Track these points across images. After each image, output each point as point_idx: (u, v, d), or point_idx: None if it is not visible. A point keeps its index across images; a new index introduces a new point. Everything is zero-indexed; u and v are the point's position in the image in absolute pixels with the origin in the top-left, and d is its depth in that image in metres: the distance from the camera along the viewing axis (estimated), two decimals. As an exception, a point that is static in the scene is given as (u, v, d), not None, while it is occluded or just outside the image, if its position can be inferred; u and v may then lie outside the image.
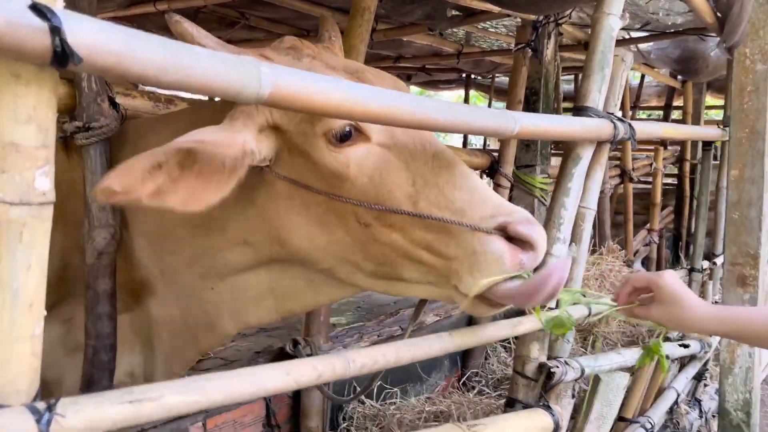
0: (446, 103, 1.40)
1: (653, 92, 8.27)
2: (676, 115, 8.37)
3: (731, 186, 3.31)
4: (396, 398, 3.21)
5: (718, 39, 3.24)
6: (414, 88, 9.78)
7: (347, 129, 1.47)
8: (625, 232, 5.70)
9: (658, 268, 6.54)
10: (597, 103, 2.14)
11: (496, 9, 3.49)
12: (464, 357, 4.13)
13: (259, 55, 1.55)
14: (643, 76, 7.83)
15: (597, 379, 2.44)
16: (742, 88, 3.25)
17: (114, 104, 2.02)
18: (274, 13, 4.61)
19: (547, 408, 2.08)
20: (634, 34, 4.86)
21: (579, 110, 2.14)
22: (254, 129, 1.54)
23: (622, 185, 5.83)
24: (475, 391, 3.60)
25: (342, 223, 1.54)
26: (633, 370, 2.75)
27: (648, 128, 2.47)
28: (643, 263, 7.01)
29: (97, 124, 1.94)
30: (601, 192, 5.33)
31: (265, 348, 2.80)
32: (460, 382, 3.84)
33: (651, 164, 6.51)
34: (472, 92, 9.92)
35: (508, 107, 4.11)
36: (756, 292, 3.32)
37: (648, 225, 6.59)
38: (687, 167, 7.25)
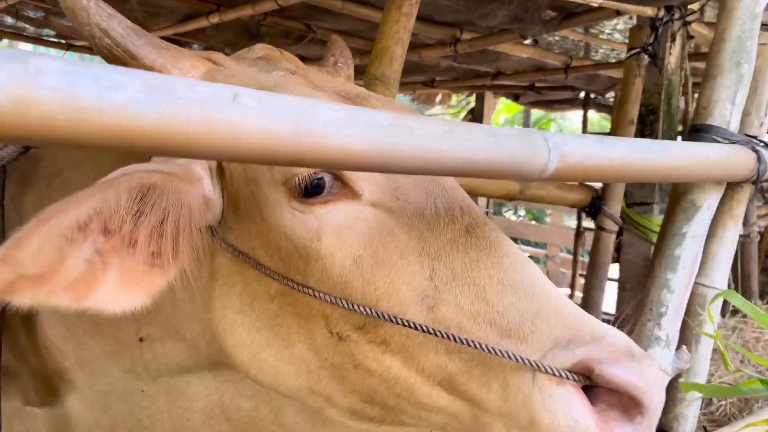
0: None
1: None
2: None
3: None
4: None
5: None
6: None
7: (318, 176, 1.00)
8: (781, 287, 4.52)
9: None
10: (728, 120, 1.32)
11: (596, 2, 2.68)
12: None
13: (202, 57, 1.14)
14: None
15: None
16: None
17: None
18: (342, 24, 4.06)
19: None
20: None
21: (697, 131, 1.33)
22: (204, 167, 1.09)
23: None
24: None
25: (304, 332, 1.06)
26: None
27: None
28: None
29: (-23, 151, 1.43)
30: (747, 236, 4.23)
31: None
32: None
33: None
34: (594, 114, 8.88)
35: (614, 131, 3.25)
36: None
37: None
38: None
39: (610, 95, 7.43)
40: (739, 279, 4.14)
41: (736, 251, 4.30)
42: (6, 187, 1.49)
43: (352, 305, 0.98)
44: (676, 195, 1.34)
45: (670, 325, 1.32)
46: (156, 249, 0.96)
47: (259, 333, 1.11)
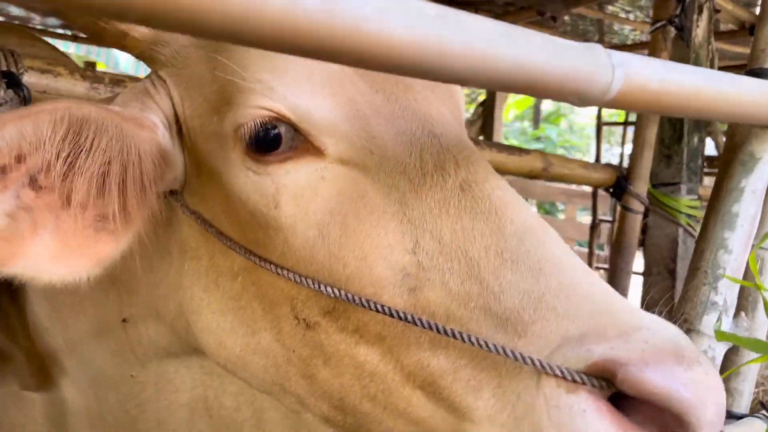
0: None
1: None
2: None
3: None
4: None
5: None
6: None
7: (271, 126, 0.83)
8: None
9: None
10: (790, 62, 1.20)
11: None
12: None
13: None
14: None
15: None
16: None
17: (14, 83, 1.40)
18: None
19: None
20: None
21: (755, 75, 1.20)
22: (160, 118, 0.94)
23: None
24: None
25: (269, 318, 0.90)
26: None
27: None
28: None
29: (-31, 109, 1.34)
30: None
31: None
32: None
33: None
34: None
35: (640, 120, 3.11)
36: None
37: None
38: None
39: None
40: None
41: None
42: None
43: (318, 285, 0.81)
44: (733, 146, 1.22)
45: (727, 290, 1.19)
46: (102, 209, 0.81)
47: (224, 317, 0.96)
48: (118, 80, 1.58)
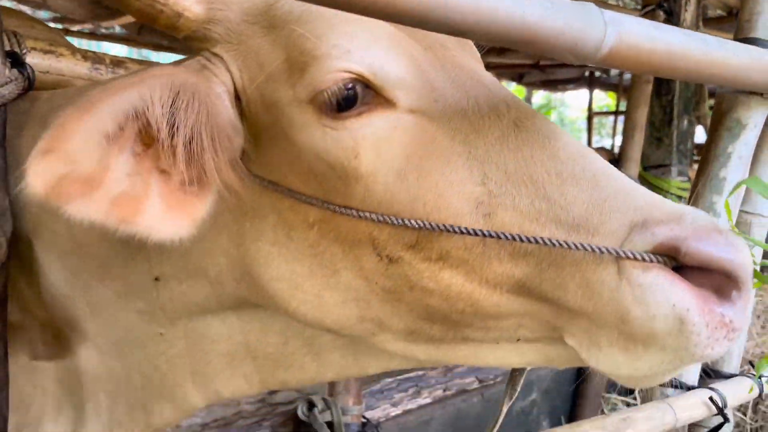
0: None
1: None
2: None
3: None
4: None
5: None
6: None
7: (349, 86, 0.91)
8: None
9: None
10: (774, 31, 1.24)
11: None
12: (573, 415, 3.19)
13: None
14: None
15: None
16: None
17: (17, 63, 1.42)
18: None
19: None
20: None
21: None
22: (222, 90, 1.00)
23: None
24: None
25: (350, 258, 1.00)
26: None
27: None
28: None
29: (-25, 87, 1.35)
30: None
31: (270, 409, 2.08)
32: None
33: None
34: (599, 93, 8.80)
35: (630, 102, 3.15)
36: None
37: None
38: None
39: (615, 72, 7.34)
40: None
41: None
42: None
43: (403, 221, 0.91)
44: (720, 113, 1.26)
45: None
46: (190, 173, 0.89)
47: (300, 263, 1.04)
48: (119, 61, 1.61)
